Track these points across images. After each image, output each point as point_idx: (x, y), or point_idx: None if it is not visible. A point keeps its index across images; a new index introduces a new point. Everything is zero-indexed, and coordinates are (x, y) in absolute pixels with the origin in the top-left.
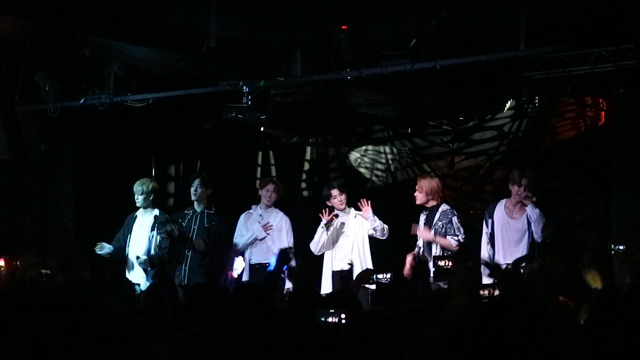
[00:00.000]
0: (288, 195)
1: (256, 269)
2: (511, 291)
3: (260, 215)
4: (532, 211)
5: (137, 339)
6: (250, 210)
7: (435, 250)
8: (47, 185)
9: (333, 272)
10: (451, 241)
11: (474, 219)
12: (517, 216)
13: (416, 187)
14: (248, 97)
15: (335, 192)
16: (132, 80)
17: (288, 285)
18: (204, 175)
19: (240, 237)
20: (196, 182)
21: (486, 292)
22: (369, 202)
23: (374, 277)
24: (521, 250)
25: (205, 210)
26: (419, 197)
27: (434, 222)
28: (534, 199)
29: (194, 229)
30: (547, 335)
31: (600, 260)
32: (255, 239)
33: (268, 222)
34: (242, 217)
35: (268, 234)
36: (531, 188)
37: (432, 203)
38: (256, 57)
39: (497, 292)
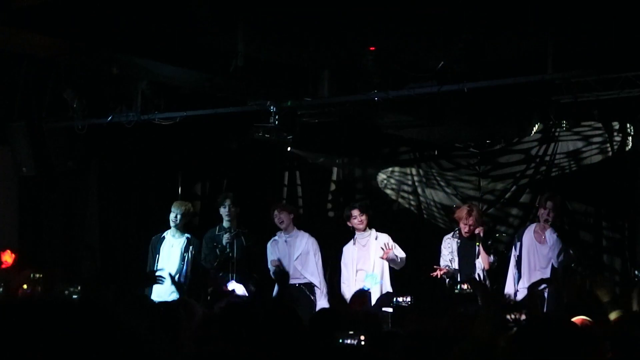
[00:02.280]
0: (314, 216)
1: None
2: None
3: (286, 242)
4: (550, 235)
5: (150, 353)
6: (276, 238)
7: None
8: (73, 203)
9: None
10: (492, 258)
11: (499, 243)
12: (545, 241)
13: (465, 222)
14: (275, 117)
15: (355, 212)
16: (159, 98)
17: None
18: (231, 194)
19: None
20: (227, 201)
21: (512, 316)
22: (389, 247)
23: (394, 300)
24: (546, 275)
25: (239, 230)
26: (471, 230)
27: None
28: (549, 223)
29: (233, 249)
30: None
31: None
32: None
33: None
34: (269, 245)
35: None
36: (555, 212)
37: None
38: (283, 78)
39: (523, 317)
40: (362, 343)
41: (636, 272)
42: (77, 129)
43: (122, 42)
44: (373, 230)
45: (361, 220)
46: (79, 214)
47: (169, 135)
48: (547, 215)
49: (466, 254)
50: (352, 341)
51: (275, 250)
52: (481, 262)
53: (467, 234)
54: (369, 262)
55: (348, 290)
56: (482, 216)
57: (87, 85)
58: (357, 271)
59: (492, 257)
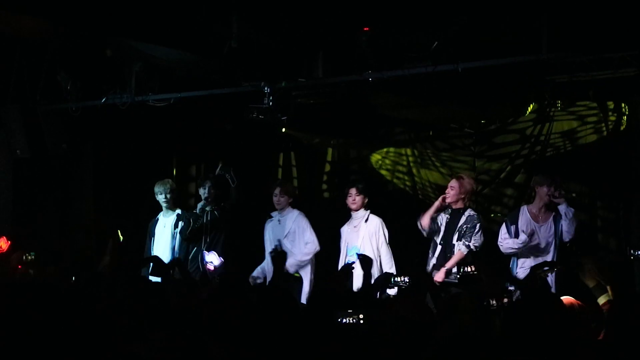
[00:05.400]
0: (308, 197)
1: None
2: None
3: (279, 221)
4: (567, 209)
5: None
6: (272, 216)
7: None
8: (68, 185)
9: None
10: (461, 247)
11: (494, 223)
12: (543, 221)
13: (451, 185)
14: (269, 98)
15: (352, 191)
16: (153, 80)
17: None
18: (212, 176)
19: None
20: (207, 183)
21: (495, 301)
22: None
23: (392, 280)
24: (549, 256)
25: (215, 210)
26: (452, 195)
27: (459, 226)
28: (573, 194)
29: (206, 225)
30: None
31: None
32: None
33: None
34: (266, 225)
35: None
36: (564, 187)
37: (459, 205)
38: (278, 59)
39: (505, 301)
40: (361, 322)
41: (632, 250)
42: (71, 111)
43: (115, 24)
44: (367, 212)
45: (354, 200)
46: (74, 196)
47: (163, 117)
48: (555, 190)
49: (449, 230)
50: (351, 320)
51: (270, 229)
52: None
53: (449, 200)
54: (356, 243)
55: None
56: (470, 190)
57: (81, 68)
58: (347, 251)
59: (462, 246)
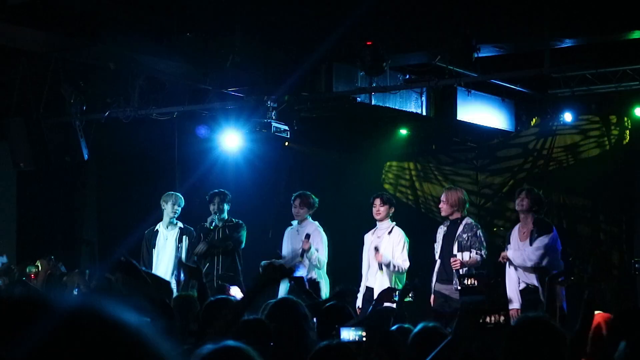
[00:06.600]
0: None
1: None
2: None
3: (297, 231)
4: (545, 238)
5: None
6: (292, 224)
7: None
8: (71, 198)
9: (367, 287)
10: (476, 257)
11: (497, 236)
12: (525, 238)
13: (442, 199)
14: (272, 111)
15: (377, 201)
16: (156, 93)
17: None
18: (222, 191)
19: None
20: (217, 199)
21: (492, 318)
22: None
23: (396, 294)
24: (540, 270)
25: (227, 223)
26: (444, 209)
27: (457, 235)
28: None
29: (219, 239)
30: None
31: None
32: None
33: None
34: (285, 232)
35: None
36: (528, 198)
37: (456, 215)
38: (281, 72)
39: (502, 319)
40: (363, 339)
41: (636, 265)
42: (74, 124)
43: (118, 37)
44: (392, 224)
45: (379, 211)
46: (77, 209)
47: (166, 130)
48: (522, 202)
49: (447, 241)
50: (354, 337)
51: (288, 236)
52: (462, 257)
53: (444, 214)
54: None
55: (363, 280)
56: (460, 200)
57: (85, 81)
58: (370, 263)
59: (475, 253)
